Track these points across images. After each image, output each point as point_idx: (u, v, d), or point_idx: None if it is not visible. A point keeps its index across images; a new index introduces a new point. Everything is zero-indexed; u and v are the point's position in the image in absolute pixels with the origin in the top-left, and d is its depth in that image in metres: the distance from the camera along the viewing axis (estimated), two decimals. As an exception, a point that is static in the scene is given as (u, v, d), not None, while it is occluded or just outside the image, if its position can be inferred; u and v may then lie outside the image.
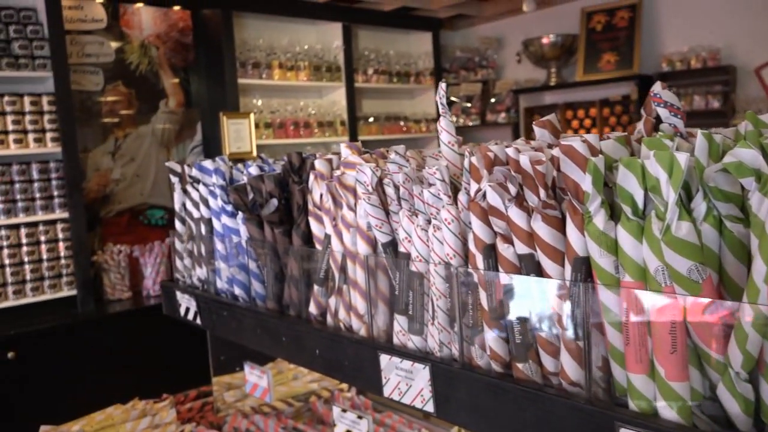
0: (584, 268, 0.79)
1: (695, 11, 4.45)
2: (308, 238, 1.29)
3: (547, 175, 0.81)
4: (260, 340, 1.38)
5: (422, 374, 0.99)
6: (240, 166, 1.54)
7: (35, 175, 3.37)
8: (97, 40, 3.90)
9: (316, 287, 1.24)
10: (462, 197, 0.95)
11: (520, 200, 0.85)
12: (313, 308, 1.25)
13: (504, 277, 0.88)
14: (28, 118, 3.32)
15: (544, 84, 5.10)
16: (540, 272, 0.85)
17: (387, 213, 1.08)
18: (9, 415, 3.09)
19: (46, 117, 3.38)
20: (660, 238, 0.69)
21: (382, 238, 1.08)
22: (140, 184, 4.11)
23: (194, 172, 1.60)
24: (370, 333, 1.12)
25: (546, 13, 5.12)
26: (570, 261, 0.80)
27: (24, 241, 3.35)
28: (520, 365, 0.88)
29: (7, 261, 3.30)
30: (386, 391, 1.07)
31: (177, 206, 1.72)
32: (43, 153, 3.41)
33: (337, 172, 1.18)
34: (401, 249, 1.05)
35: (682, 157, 0.66)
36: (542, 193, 0.81)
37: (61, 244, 3.47)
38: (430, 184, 1.00)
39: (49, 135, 3.38)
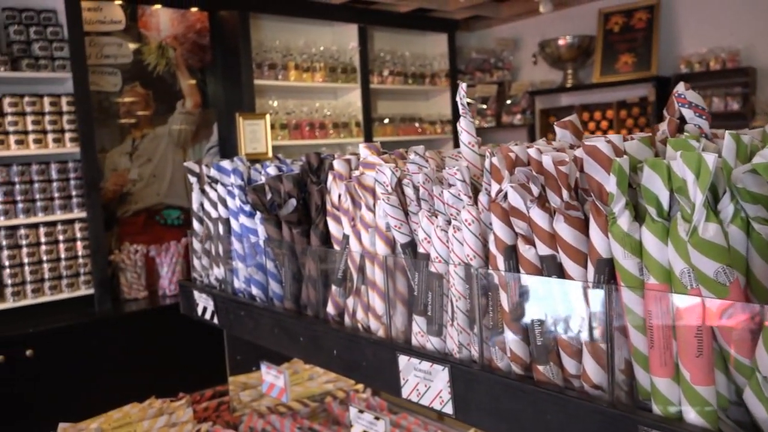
0: (607, 270, 0.78)
1: (714, 12, 4.40)
2: (326, 238, 1.29)
3: (570, 175, 0.80)
4: (278, 340, 1.38)
5: (441, 376, 0.99)
6: (258, 166, 1.54)
7: (54, 175, 3.41)
8: (116, 41, 3.93)
9: (334, 287, 1.24)
10: (482, 198, 0.95)
11: (542, 201, 0.84)
12: (330, 308, 1.25)
13: (525, 279, 0.87)
14: (47, 118, 3.36)
15: (561, 85, 5.07)
16: (562, 274, 0.84)
17: (406, 213, 1.08)
18: (27, 412, 3.13)
19: (65, 117, 3.41)
20: (686, 240, 0.68)
21: (401, 239, 1.08)
22: (157, 184, 4.14)
23: (212, 172, 1.61)
24: (388, 334, 1.12)
25: (563, 14, 5.09)
26: (593, 263, 0.80)
27: (43, 240, 3.39)
28: (540, 367, 0.87)
29: (26, 260, 3.34)
30: (404, 393, 1.07)
31: (195, 206, 1.72)
32: (62, 153, 3.45)
33: (356, 173, 1.18)
34: (420, 250, 1.05)
35: (710, 158, 0.65)
36: (565, 194, 0.81)
37: (78, 244, 3.50)
38: (450, 185, 0.99)
39: (68, 135, 3.42)
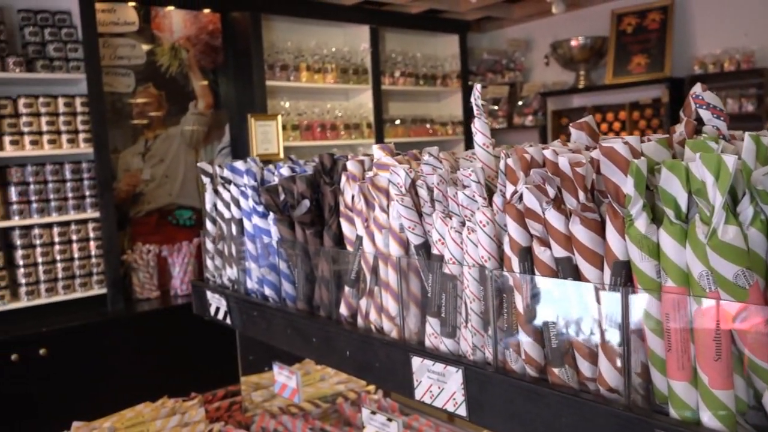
0: (624, 272, 0.78)
1: (729, 12, 4.37)
2: (339, 239, 1.29)
3: (586, 177, 0.80)
4: (290, 340, 1.38)
5: (455, 377, 0.99)
6: (271, 167, 1.54)
7: (68, 175, 3.44)
8: (129, 42, 3.96)
9: (347, 288, 1.24)
10: (497, 199, 0.94)
11: (558, 203, 0.84)
12: (343, 309, 1.25)
13: (540, 281, 0.86)
14: (61, 119, 3.39)
15: (573, 87, 5.05)
16: (577, 276, 0.84)
17: (420, 215, 1.08)
18: (40, 410, 3.15)
19: (79, 118, 3.44)
20: (705, 243, 0.68)
21: (414, 240, 1.08)
22: (169, 184, 4.16)
23: (226, 173, 1.61)
24: (401, 335, 1.12)
25: (575, 15, 5.07)
26: (609, 265, 0.79)
27: (56, 239, 3.42)
28: (556, 370, 0.87)
29: (40, 259, 3.37)
30: (418, 394, 1.06)
31: (208, 206, 1.73)
32: (76, 153, 3.47)
33: (370, 174, 1.18)
34: (434, 251, 1.05)
35: (729, 160, 0.64)
36: (581, 195, 0.80)
37: (92, 243, 3.53)
38: (465, 186, 0.99)
39: (81, 136, 3.44)
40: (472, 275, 0.96)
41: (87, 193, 3.50)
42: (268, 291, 1.48)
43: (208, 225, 1.75)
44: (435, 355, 1.02)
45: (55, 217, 3.39)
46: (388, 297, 1.14)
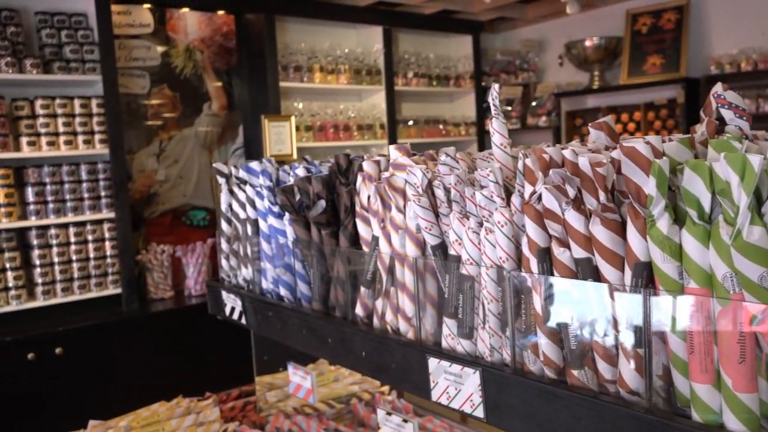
0: (645, 274, 0.77)
1: (745, 12, 4.32)
2: (355, 239, 1.29)
3: (607, 177, 0.79)
4: (306, 340, 1.38)
5: (472, 379, 0.98)
6: (286, 167, 1.55)
7: (84, 176, 3.47)
8: (144, 44, 3.99)
9: (362, 289, 1.23)
10: (515, 200, 0.94)
11: (577, 203, 0.83)
12: (359, 310, 1.25)
13: (560, 282, 0.86)
14: (77, 120, 3.42)
15: (587, 87, 5.02)
16: (597, 277, 0.83)
17: (437, 215, 1.07)
18: (56, 408, 3.18)
19: (95, 119, 3.47)
20: (729, 244, 0.67)
21: (431, 241, 1.07)
22: (183, 185, 4.18)
23: (241, 173, 1.61)
24: (417, 336, 1.12)
25: (589, 15, 5.04)
26: (630, 266, 0.78)
27: (72, 240, 3.44)
28: (575, 372, 0.86)
29: (56, 259, 3.39)
30: (434, 396, 1.06)
31: (223, 207, 1.74)
32: (92, 154, 3.50)
33: (386, 174, 1.18)
34: (451, 252, 1.04)
35: (755, 160, 0.63)
36: (602, 195, 0.79)
37: (107, 244, 3.55)
38: (482, 186, 0.98)
39: (97, 137, 3.47)
40: (489, 276, 0.95)
41: (102, 193, 3.52)
42: (283, 291, 1.48)
43: (224, 225, 1.76)
44: (452, 356, 1.02)
45: (71, 218, 3.42)
46: (404, 298, 1.13)
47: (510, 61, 5.56)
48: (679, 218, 0.75)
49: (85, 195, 3.47)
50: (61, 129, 3.37)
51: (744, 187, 0.65)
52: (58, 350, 3.23)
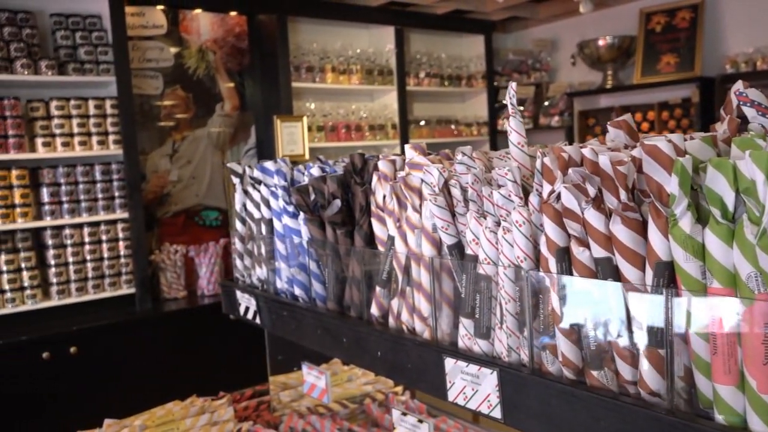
0: (667, 273, 0.76)
1: (761, 10, 4.28)
2: (370, 239, 1.29)
3: (628, 176, 0.78)
4: (320, 340, 1.38)
5: (489, 379, 0.97)
6: (301, 167, 1.55)
7: (98, 177, 3.49)
8: (158, 45, 4.01)
9: (378, 289, 1.23)
10: (533, 199, 0.93)
11: (597, 202, 0.82)
12: (374, 310, 1.25)
13: (579, 281, 0.85)
14: (92, 121, 3.44)
15: (600, 87, 4.99)
16: (617, 277, 0.82)
17: (453, 215, 1.07)
18: (71, 407, 3.20)
19: (109, 120, 3.49)
20: (754, 243, 0.66)
21: (447, 240, 1.07)
22: (196, 185, 4.20)
23: (256, 173, 1.62)
24: (433, 336, 1.11)
25: (603, 15, 5.01)
26: (651, 265, 0.77)
27: (87, 240, 3.47)
28: (594, 372, 0.85)
29: (70, 259, 3.42)
30: (450, 396, 1.05)
31: (238, 206, 1.74)
32: (106, 155, 3.52)
33: (402, 173, 1.18)
34: (468, 251, 1.04)
35: (781, 157, 0.62)
36: (623, 194, 0.79)
37: (121, 244, 3.57)
38: (500, 186, 0.98)
39: (111, 137, 3.49)
40: (507, 276, 0.95)
41: (116, 194, 3.55)
42: (297, 291, 1.48)
43: (238, 225, 1.76)
44: (469, 357, 1.01)
45: (85, 218, 3.45)
46: (420, 297, 1.13)
47: (522, 60, 5.54)
48: (701, 217, 0.74)
49: (99, 195, 3.49)
50: (75, 130, 3.39)
51: (770, 185, 0.64)
52: (72, 349, 3.25)
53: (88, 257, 3.47)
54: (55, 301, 3.37)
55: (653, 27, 4.66)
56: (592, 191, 0.82)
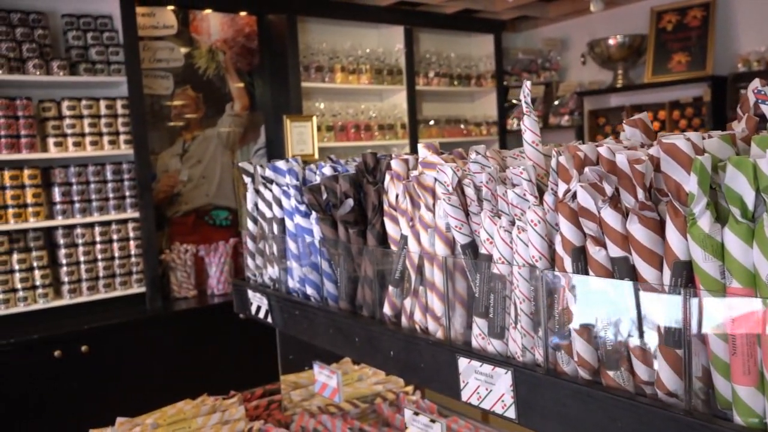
0: (685, 273, 0.75)
1: (774, 9, 4.24)
2: (383, 238, 1.28)
3: (646, 175, 0.77)
4: (332, 340, 1.38)
5: (504, 379, 0.97)
6: (312, 166, 1.55)
7: (109, 176, 3.51)
8: (168, 45, 4.02)
9: (390, 288, 1.23)
10: (548, 198, 0.93)
11: (614, 201, 0.82)
12: (387, 309, 1.24)
13: (595, 281, 0.84)
14: (103, 121, 3.46)
15: (611, 86, 4.96)
16: (634, 276, 0.81)
17: (467, 214, 1.07)
18: (83, 405, 3.22)
19: (120, 120, 3.51)
20: (775, 242, 0.65)
21: (461, 240, 1.06)
22: (206, 185, 4.21)
23: (268, 173, 1.62)
24: (447, 336, 1.11)
25: (613, 14, 4.98)
26: (669, 265, 0.77)
27: (98, 239, 3.49)
28: (610, 373, 0.85)
29: (82, 258, 3.44)
30: (464, 396, 1.05)
31: (249, 206, 1.74)
32: (117, 155, 3.54)
33: (415, 172, 1.17)
34: (482, 251, 1.03)
35: (803, 156, 0.62)
36: (640, 193, 0.78)
37: (131, 243, 3.59)
38: (514, 185, 0.97)
39: (122, 137, 3.51)
40: (522, 275, 0.94)
41: (127, 193, 3.56)
42: (309, 290, 1.48)
43: (249, 224, 1.76)
44: (483, 357, 1.01)
45: (96, 217, 3.47)
46: (433, 297, 1.13)
47: (532, 60, 5.52)
48: (720, 216, 0.74)
49: (110, 195, 3.51)
50: (86, 130, 3.41)
51: (791, 184, 0.63)
52: (84, 348, 3.27)
53: (99, 256, 3.49)
54: (66, 300, 3.39)
55: (664, 26, 4.64)
56: (609, 190, 0.81)
